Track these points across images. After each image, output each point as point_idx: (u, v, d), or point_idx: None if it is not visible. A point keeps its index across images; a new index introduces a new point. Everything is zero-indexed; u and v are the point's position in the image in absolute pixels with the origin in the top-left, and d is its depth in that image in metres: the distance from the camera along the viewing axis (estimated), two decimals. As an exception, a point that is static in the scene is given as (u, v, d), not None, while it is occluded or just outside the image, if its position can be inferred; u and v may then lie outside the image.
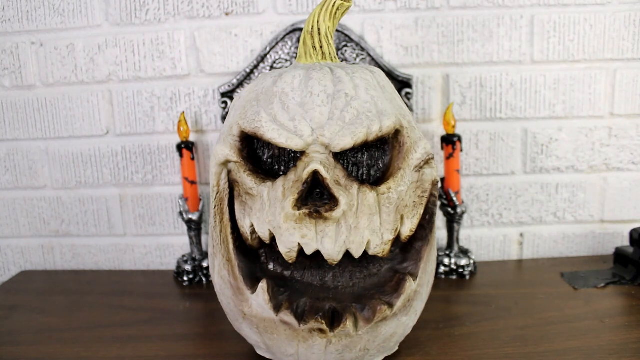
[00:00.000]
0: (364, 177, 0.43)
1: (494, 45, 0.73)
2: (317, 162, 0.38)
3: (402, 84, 0.71)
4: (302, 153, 0.40)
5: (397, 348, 0.49)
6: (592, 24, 0.72)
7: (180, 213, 0.71)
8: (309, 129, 0.39)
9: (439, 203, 0.70)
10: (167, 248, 0.81)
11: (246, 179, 0.41)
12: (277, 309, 0.40)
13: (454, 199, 0.69)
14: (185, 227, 0.76)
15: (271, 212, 0.40)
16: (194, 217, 0.71)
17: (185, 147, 0.70)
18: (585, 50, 0.73)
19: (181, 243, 0.80)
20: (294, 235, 0.39)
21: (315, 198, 0.39)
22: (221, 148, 0.43)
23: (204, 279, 0.72)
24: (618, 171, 0.76)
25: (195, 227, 0.72)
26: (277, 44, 0.72)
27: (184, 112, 0.72)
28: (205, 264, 0.72)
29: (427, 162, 0.43)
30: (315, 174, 0.38)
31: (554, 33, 0.72)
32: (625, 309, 0.58)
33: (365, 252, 0.41)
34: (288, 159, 0.43)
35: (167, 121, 0.76)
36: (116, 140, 0.78)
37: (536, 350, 0.50)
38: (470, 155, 0.76)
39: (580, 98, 0.74)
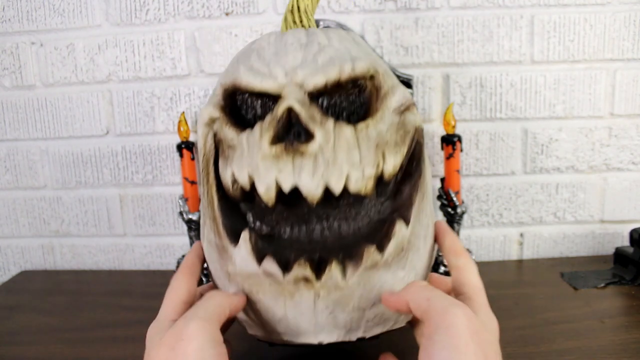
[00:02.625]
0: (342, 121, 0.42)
1: (494, 45, 0.73)
2: (292, 99, 0.39)
3: (402, 84, 0.71)
4: (279, 98, 0.40)
5: (403, 323, 0.43)
6: (592, 24, 0.72)
7: (180, 213, 0.71)
8: (283, 72, 0.40)
9: (437, 194, 0.70)
10: (167, 248, 0.81)
11: (228, 132, 0.41)
12: (260, 259, 0.38)
13: (454, 199, 0.69)
14: (185, 227, 0.76)
15: (249, 156, 0.39)
16: (194, 217, 0.71)
17: (186, 147, 0.70)
18: (585, 50, 0.73)
19: (181, 243, 0.80)
20: (271, 171, 0.38)
21: (293, 137, 0.39)
22: (205, 108, 0.43)
23: (203, 279, 0.72)
24: (618, 171, 0.76)
25: (195, 227, 0.72)
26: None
27: (184, 112, 0.72)
28: (205, 264, 0.72)
29: (408, 108, 0.42)
30: (290, 112, 0.38)
31: (554, 33, 0.72)
32: (625, 309, 0.58)
33: (354, 203, 0.39)
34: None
35: (167, 121, 0.76)
36: (116, 140, 0.78)
37: (536, 350, 0.50)
38: (470, 155, 0.76)
39: (580, 98, 0.74)
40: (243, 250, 0.39)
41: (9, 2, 0.74)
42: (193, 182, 0.71)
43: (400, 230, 0.39)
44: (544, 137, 0.75)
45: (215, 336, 0.33)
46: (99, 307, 0.65)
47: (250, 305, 0.40)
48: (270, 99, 0.41)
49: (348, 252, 0.38)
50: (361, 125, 0.39)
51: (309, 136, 0.38)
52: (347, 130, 0.39)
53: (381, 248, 0.38)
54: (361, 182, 0.38)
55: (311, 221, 0.40)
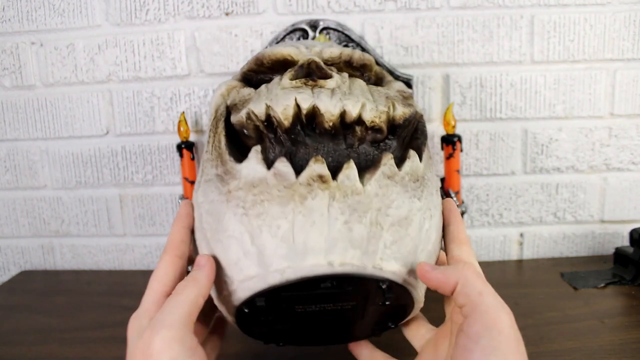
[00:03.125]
0: None
1: (494, 45, 0.73)
2: (312, 56, 0.43)
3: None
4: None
5: (420, 303, 0.41)
6: (592, 24, 0.72)
7: (180, 213, 0.71)
8: (304, 46, 0.46)
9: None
10: (167, 248, 0.81)
11: (244, 91, 0.43)
12: (270, 166, 0.36)
13: (454, 199, 0.69)
14: (185, 227, 0.76)
15: (268, 93, 0.41)
16: (194, 217, 0.71)
17: (186, 147, 0.70)
18: (585, 50, 0.73)
19: (181, 243, 0.80)
20: (290, 95, 0.39)
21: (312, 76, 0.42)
22: (224, 82, 0.47)
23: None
24: (618, 171, 0.76)
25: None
26: (277, 44, 0.72)
27: (184, 112, 0.72)
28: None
29: (407, 98, 0.44)
30: (310, 64, 0.41)
31: (554, 33, 0.72)
32: (625, 309, 0.58)
33: (367, 138, 0.40)
34: None
35: (167, 121, 0.76)
36: (116, 140, 0.78)
37: (536, 350, 0.50)
38: (470, 155, 0.76)
39: (580, 98, 0.74)
40: (252, 160, 0.36)
41: (9, 2, 0.74)
42: (193, 182, 0.71)
43: (414, 158, 0.38)
44: (544, 137, 0.75)
45: (186, 344, 0.31)
46: (99, 307, 0.65)
47: (250, 224, 0.35)
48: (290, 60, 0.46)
49: (364, 161, 0.39)
50: (371, 85, 0.45)
51: (327, 76, 0.41)
52: (360, 80, 0.44)
53: (397, 163, 0.38)
54: (375, 112, 0.39)
55: (323, 149, 0.39)
